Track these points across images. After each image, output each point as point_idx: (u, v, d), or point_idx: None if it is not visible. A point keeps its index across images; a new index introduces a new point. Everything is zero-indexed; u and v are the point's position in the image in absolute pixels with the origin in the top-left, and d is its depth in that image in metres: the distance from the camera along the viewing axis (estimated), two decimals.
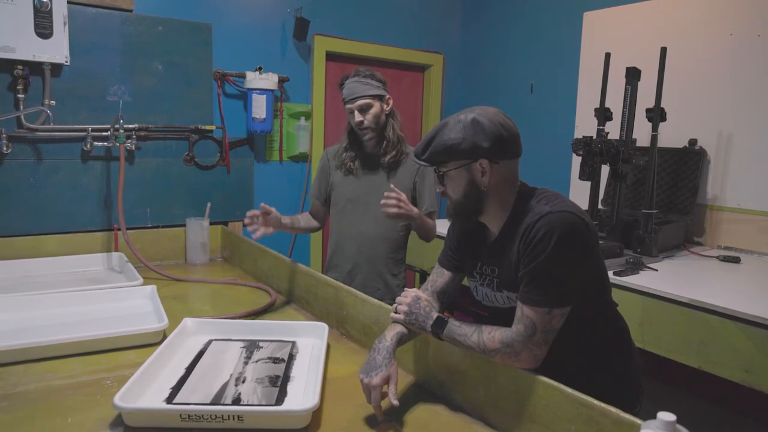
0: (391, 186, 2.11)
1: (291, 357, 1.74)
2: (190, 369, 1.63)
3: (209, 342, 1.85)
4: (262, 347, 1.81)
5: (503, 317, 1.42)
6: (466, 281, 1.65)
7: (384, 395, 1.39)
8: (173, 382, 1.54)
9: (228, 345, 1.83)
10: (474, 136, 1.36)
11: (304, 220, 2.50)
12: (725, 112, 2.92)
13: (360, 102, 2.29)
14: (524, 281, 1.34)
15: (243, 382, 1.56)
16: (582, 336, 1.44)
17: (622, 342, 1.57)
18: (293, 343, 1.85)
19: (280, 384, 1.56)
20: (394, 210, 2.05)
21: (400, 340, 1.48)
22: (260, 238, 2.15)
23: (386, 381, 1.38)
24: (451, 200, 1.46)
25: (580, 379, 1.28)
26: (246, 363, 1.69)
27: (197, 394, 1.47)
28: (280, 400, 1.47)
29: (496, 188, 1.42)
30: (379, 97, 2.33)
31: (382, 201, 2.06)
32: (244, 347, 1.81)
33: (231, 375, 1.60)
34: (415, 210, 2.14)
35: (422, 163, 1.44)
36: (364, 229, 2.40)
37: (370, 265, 2.41)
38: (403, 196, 2.07)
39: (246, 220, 2.14)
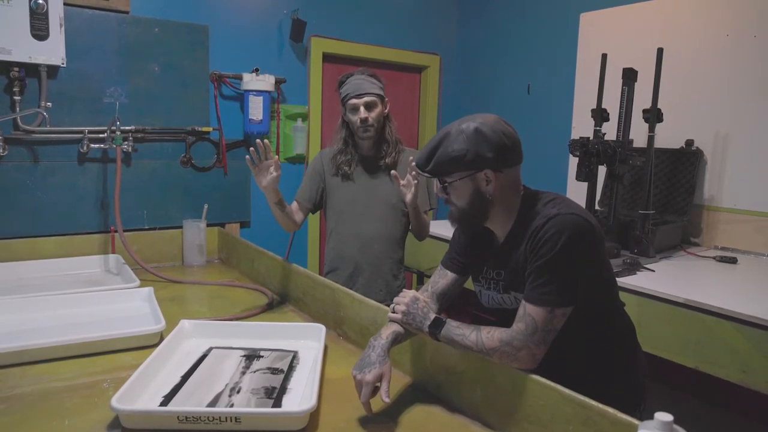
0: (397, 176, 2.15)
1: (291, 368, 1.71)
2: (186, 377, 1.60)
3: (210, 349, 1.82)
4: (262, 356, 1.78)
5: (511, 320, 1.42)
6: (467, 284, 1.65)
7: (375, 392, 1.39)
8: (167, 389, 1.52)
9: (228, 353, 1.80)
10: (478, 147, 1.36)
11: (288, 209, 2.39)
12: (722, 112, 2.92)
13: (367, 98, 2.28)
14: (529, 279, 1.34)
15: (238, 392, 1.53)
16: (587, 336, 1.44)
17: (627, 343, 1.57)
18: (295, 354, 1.81)
19: (275, 396, 1.52)
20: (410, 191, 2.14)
21: (396, 339, 1.48)
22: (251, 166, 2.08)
23: (379, 378, 1.38)
24: (457, 208, 1.46)
25: (584, 379, 1.29)
26: (243, 373, 1.66)
27: (190, 404, 1.45)
28: None
29: (501, 195, 1.42)
30: (381, 98, 2.33)
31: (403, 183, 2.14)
32: (244, 356, 1.78)
33: (226, 385, 1.58)
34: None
35: (426, 174, 1.44)
36: (364, 231, 2.39)
37: (372, 267, 2.41)
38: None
39: (252, 150, 2.04)
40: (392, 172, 2.14)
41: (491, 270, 1.51)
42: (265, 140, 2.08)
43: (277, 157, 2.11)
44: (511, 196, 1.44)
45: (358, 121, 2.28)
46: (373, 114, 2.30)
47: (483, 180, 1.39)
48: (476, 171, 1.38)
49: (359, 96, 2.27)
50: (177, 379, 1.59)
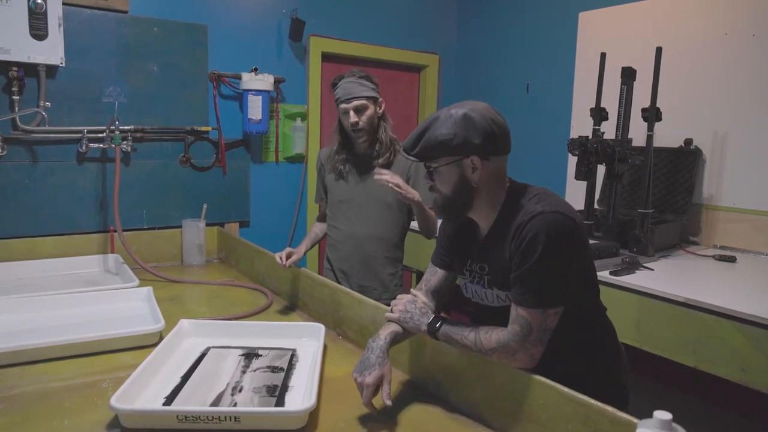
0: (376, 170, 2.04)
1: (291, 366, 1.71)
2: (186, 377, 1.60)
3: (207, 349, 1.82)
4: (261, 355, 1.78)
5: (494, 316, 1.42)
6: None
7: (377, 392, 1.39)
8: (168, 390, 1.52)
9: (226, 352, 1.80)
10: (466, 132, 1.35)
11: (319, 229, 2.53)
12: (720, 111, 2.92)
13: (356, 102, 2.28)
14: (517, 283, 1.34)
15: (240, 391, 1.54)
16: (568, 339, 1.43)
17: (607, 345, 1.56)
18: (293, 352, 1.81)
19: (277, 394, 1.53)
20: (391, 184, 2.00)
21: (394, 339, 1.48)
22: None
23: (380, 380, 1.38)
24: (441, 195, 1.45)
25: (566, 383, 1.28)
26: (244, 372, 1.66)
27: (192, 404, 1.46)
28: None
29: (486, 184, 1.41)
30: (374, 99, 2.33)
31: (376, 176, 2.01)
32: (242, 355, 1.78)
33: (228, 384, 1.58)
34: (414, 192, 2.10)
35: (411, 158, 1.43)
36: (357, 230, 2.40)
37: (366, 266, 2.41)
38: (396, 178, 2.02)
39: (280, 263, 2.23)
40: (375, 176, 2.03)
41: (475, 263, 1.51)
42: (286, 262, 2.23)
43: (294, 256, 2.26)
44: (497, 187, 1.43)
45: (349, 125, 2.30)
46: (364, 117, 2.29)
47: (469, 167, 1.38)
48: (463, 157, 1.37)
49: (348, 101, 2.28)
50: (177, 380, 1.58)
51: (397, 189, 2.01)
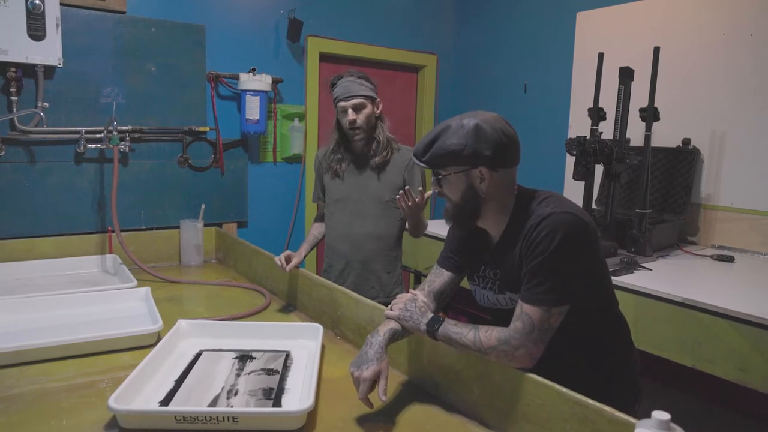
0: (405, 191, 2.11)
1: (285, 368, 1.70)
2: (180, 381, 1.59)
3: (200, 352, 1.80)
4: (255, 358, 1.77)
5: (505, 319, 1.42)
6: (463, 283, 1.65)
7: (373, 388, 1.39)
8: (162, 394, 1.50)
9: (220, 356, 1.78)
10: (476, 143, 1.36)
11: (318, 231, 2.54)
12: (718, 111, 2.93)
13: (355, 101, 2.30)
14: (525, 279, 1.35)
15: (235, 394, 1.52)
16: (581, 336, 1.44)
17: (621, 343, 1.57)
18: (287, 354, 1.80)
19: (274, 396, 1.52)
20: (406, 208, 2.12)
21: (393, 336, 1.48)
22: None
23: (377, 375, 1.38)
24: (450, 202, 1.46)
25: (578, 378, 1.29)
26: (238, 375, 1.65)
27: (188, 407, 1.44)
28: None
29: (495, 194, 1.42)
30: (372, 99, 2.34)
31: (398, 198, 2.11)
32: (236, 358, 1.76)
33: (223, 387, 1.56)
34: (421, 204, 2.16)
35: (421, 164, 1.44)
36: (354, 229, 2.41)
37: (363, 264, 2.42)
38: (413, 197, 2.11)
39: (281, 266, 2.26)
40: (399, 194, 2.11)
41: (488, 269, 1.51)
42: (287, 266, 2.24)
43: (295, 260, 2.29)
44: (506, 196, 1.44)
45: (347, 123, 2.30)
46: (362, 116, 2.31)
47: (477, 177, 1.39)
48: (471, 167, 1.39)
49: (347, 99, 2.30)
50: (171, 384, 1.57)
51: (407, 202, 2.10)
